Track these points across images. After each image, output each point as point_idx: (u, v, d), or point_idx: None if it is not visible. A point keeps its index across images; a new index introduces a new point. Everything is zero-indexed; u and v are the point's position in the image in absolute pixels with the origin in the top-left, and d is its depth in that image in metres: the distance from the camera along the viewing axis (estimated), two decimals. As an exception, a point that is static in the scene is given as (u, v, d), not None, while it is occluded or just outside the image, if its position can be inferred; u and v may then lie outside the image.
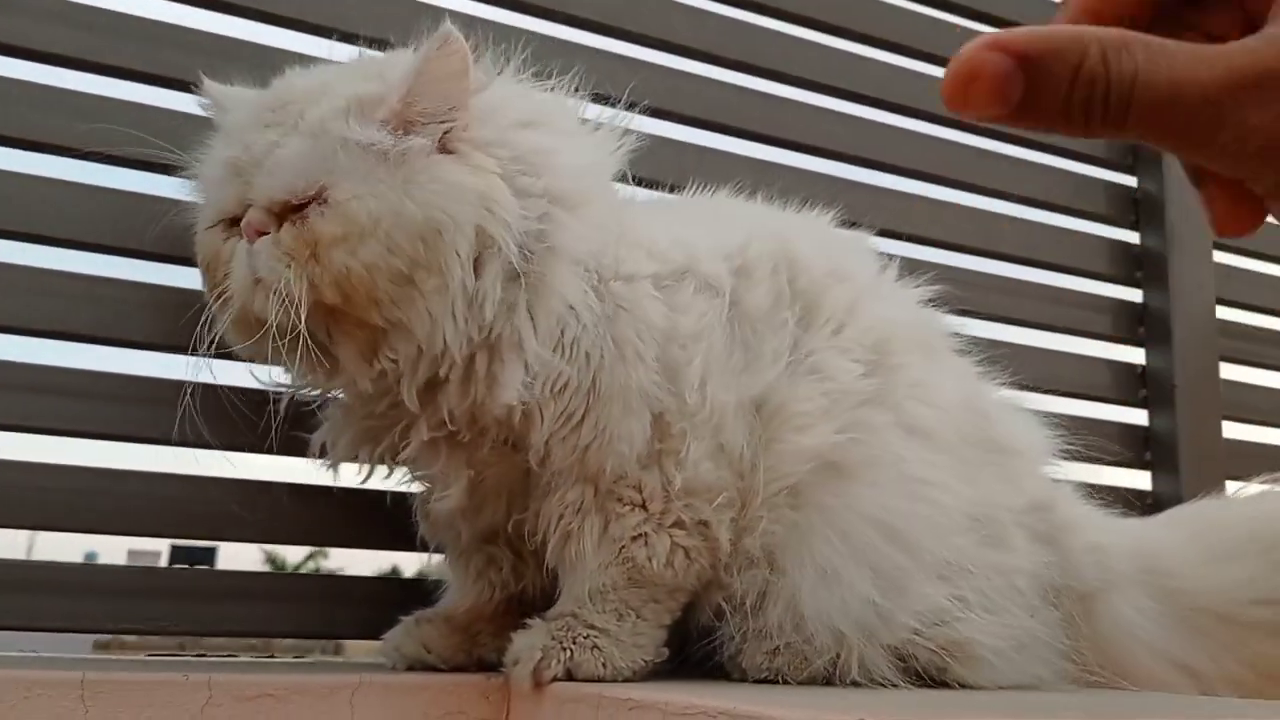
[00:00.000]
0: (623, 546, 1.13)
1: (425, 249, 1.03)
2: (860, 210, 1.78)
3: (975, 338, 1.83)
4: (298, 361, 1.04)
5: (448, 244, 1.03)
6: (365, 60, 1.21)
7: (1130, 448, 1.99)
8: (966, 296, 1.85)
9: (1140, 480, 1.99)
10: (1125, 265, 2.09)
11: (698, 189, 1.35)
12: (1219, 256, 2.12)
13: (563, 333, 1.09)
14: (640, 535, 1.13)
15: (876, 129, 1.88)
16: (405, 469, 1.20)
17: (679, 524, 1.13)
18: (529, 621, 1.15)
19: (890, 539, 1.12)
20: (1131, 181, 2.13)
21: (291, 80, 1.14)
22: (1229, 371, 2.08)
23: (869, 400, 1.18)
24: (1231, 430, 2.05)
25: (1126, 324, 2.07)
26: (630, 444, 1.11)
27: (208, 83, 1.18)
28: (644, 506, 1.13)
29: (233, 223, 1.08)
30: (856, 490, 1.14)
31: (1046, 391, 1.92)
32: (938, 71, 1.91)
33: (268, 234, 1.03)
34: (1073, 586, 1.25)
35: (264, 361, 1.10)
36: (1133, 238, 2.11)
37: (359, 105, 1.05)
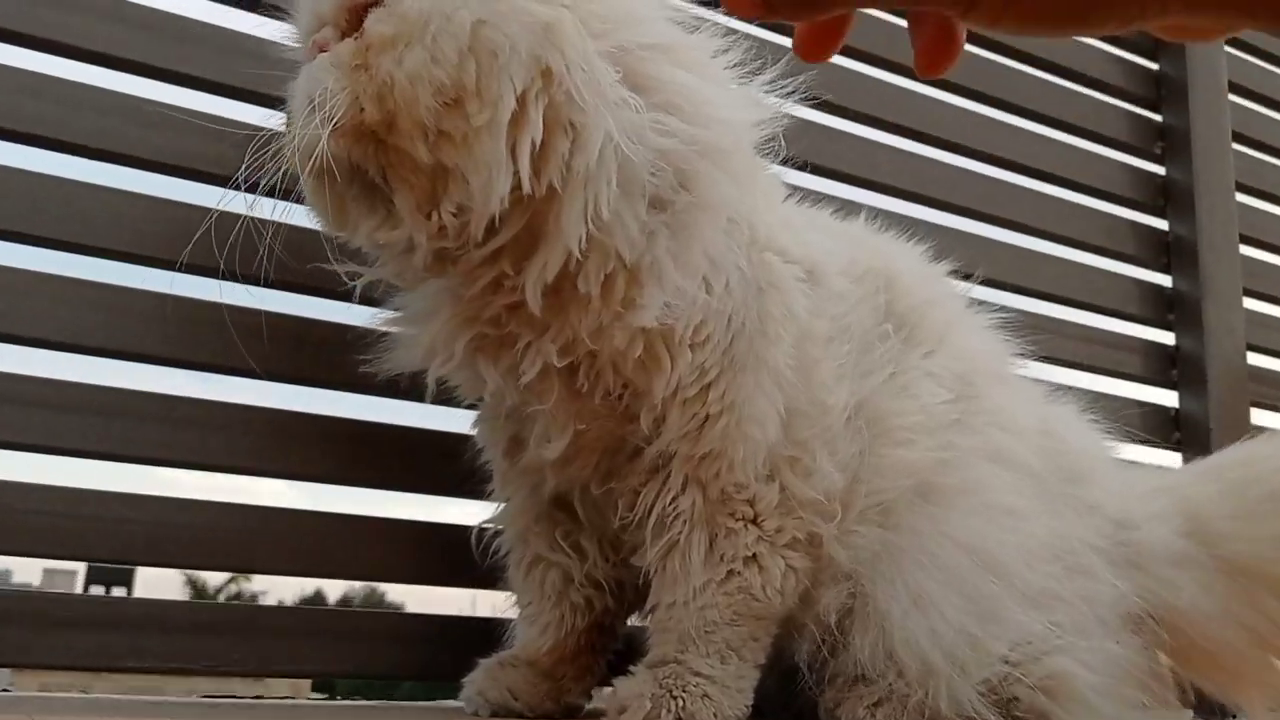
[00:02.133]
0: (732, 570, 1.06)
1: (477, 69, 0.91)
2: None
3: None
4: (349, 204, 0.97)
5: (501, 69, 0.91)
6: None
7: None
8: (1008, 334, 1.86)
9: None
10: (1158, 308, 2.09)
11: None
12: (1249, 303, 2.12)
13: (708, 284, 1.02)
14: (752, 557, 1.06)
15: (914, 161, 1.88)
16: (499, 397, 1.07)
17: (793, 544, 1.08)
18: (631, 669, 1.09)
19: (983, 565, 1.10)
20: (1164, 225, 2.13)
21: None
22: (1260, 417, 2.07)
23: (955, 425, 1.17)
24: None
25: (1159, 367, 2.06)
26: (762, 430, 1.04)
27: None
28: (756, 523, 1.07)
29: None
30: (947, 515, 1.12)
31: None
32: (976, 107, 1.94)
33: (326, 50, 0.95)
34: (1153, 610, 1.22)
35: (324, 213, 1.01)
36: (1165, 280, 2.11)
37: None
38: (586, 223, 0.95)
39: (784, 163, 1.49)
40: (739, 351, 1.04)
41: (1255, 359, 2.12)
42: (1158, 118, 2.17)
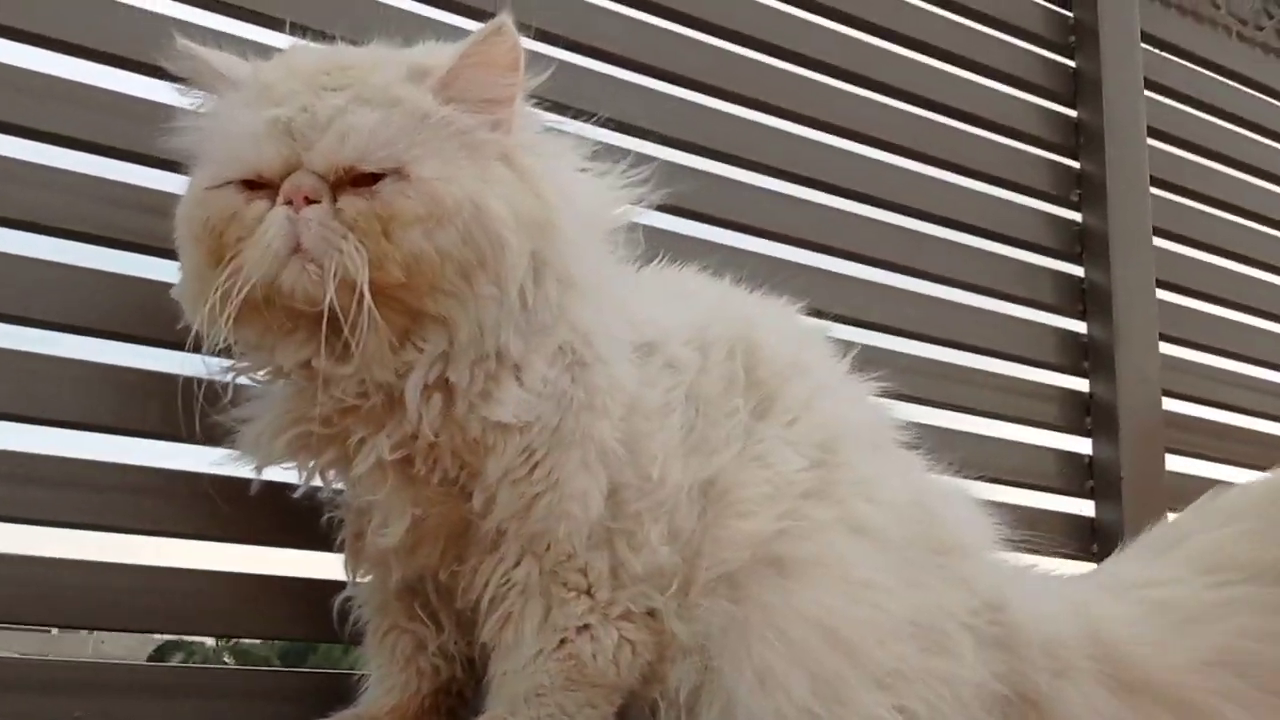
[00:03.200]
0: (564, 639, 1.08)
1: (492, 252, 1.01)
2: (805, 294, 1.77)
3: (921, 425, 1.84)
4: (303, 343, 1.02)
5: (511, 257, 1.02)
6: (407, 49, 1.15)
7: (1077, 540, 1.97)
8: (912, 382, 1.86)
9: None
10: (1072, 355, 2.09)
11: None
12: (1165, 348, 2.12)
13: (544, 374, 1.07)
14: (585, 627, 1.08)
15: (824, 212, 1.88)
16: (340, 492, 1.14)
17: (627, 615, 1.09)
18: None
19: (831, 643, 1.08)
20: (1079, 271, 2.13)
21: (332, 50, 1.12)
22: (1175, 464, 2.07)
23: (812, 494, 1.15)
24: (1177, 523, 2.03)
25: (1073, 414, 2.06)
26: (583, 506, 1.06)
27: (188, 44, 1.10)
28: (589, 593, 1.08)
29: (256, 186, 1.01)
30: (798, 590, 1.11)
31: (993, 480, 1.92)
32: (887, 157, 1.95)
33: (319, 203, 0.98)
34: (1025, 694, 1.20)
35: (249, 344, 1.06)
36: (1080, 327, 2.11)
37: (417, 73, 1.04)
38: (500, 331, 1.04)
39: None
40: (566, 429, 1.07)
41: (1171, 404, 2.12)
42: (1075, 164, 2.18)
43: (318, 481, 1.14)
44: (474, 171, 1.02)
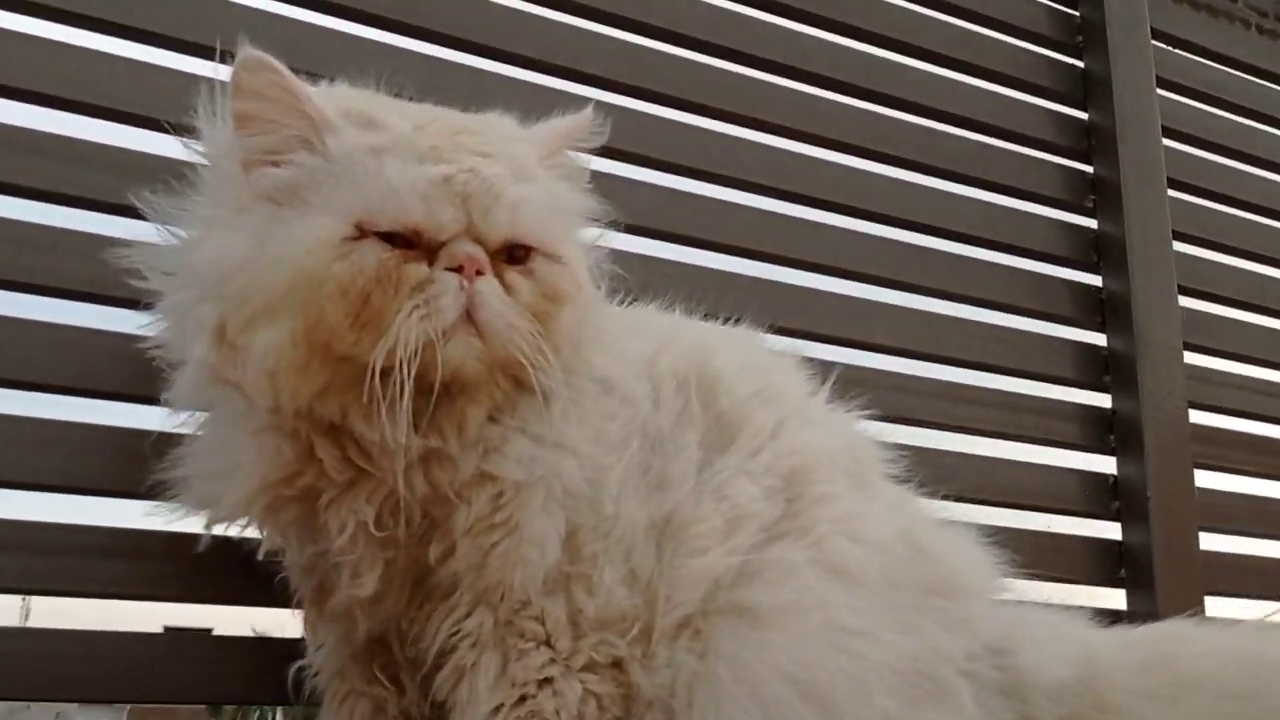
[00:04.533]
0: (524, 695, 1.01)
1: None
2: (817, 317, 1.73)
3: (933, 450, 1.77)
4: (395, 415, 0.92)
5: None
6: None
7: (1104, 565, 1.87)
8: (922, 406, 1.78)
9: (1115, 599, 1.87)
10: (1092, 369, 1.99)
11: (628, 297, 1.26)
12: (1190, 358, 2.02)
13: None
14: (546, 680, 1.01)
15: (821, 230, 1.81)
16: (298, 549, 1.06)
17: (590, 666, 1.03)
18: None
19: (807, 698, 0.99)
20: (1097, 281, 2.04)
21: (447, 111, 1.08)
22: (1205, 480, 1.97)
23: (783, 535, 1.07)
24: (1209, 542, 1.93)
25: (1095, 432, 1.96)
26: (540, 551, 1.00)
27: (273, 69, 0.97)
28: (549, 644, 1.02)
29: (403, 244, 0.94)
30: (770, 639, 1.02)
31: (1011, 505, 1.83)
32: (886, 170, 1.87)
33: (484, 274, 0.95)
34: None
35: (397, 415, 0.93)
36: (1099, 339, 2.01)
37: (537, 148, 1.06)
38: None
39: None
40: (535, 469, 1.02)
41: (1199, 417, 2.01)
42: (1088, 169, 2.08)
43: (275, 542, 1.07)
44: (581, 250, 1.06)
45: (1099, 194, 2.06)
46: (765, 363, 1.22)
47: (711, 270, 1.68)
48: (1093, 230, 2.06)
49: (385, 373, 0.91)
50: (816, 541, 1.07)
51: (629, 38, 1.69)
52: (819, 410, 1.22)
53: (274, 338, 0.92)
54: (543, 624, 1.02)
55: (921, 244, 1.90)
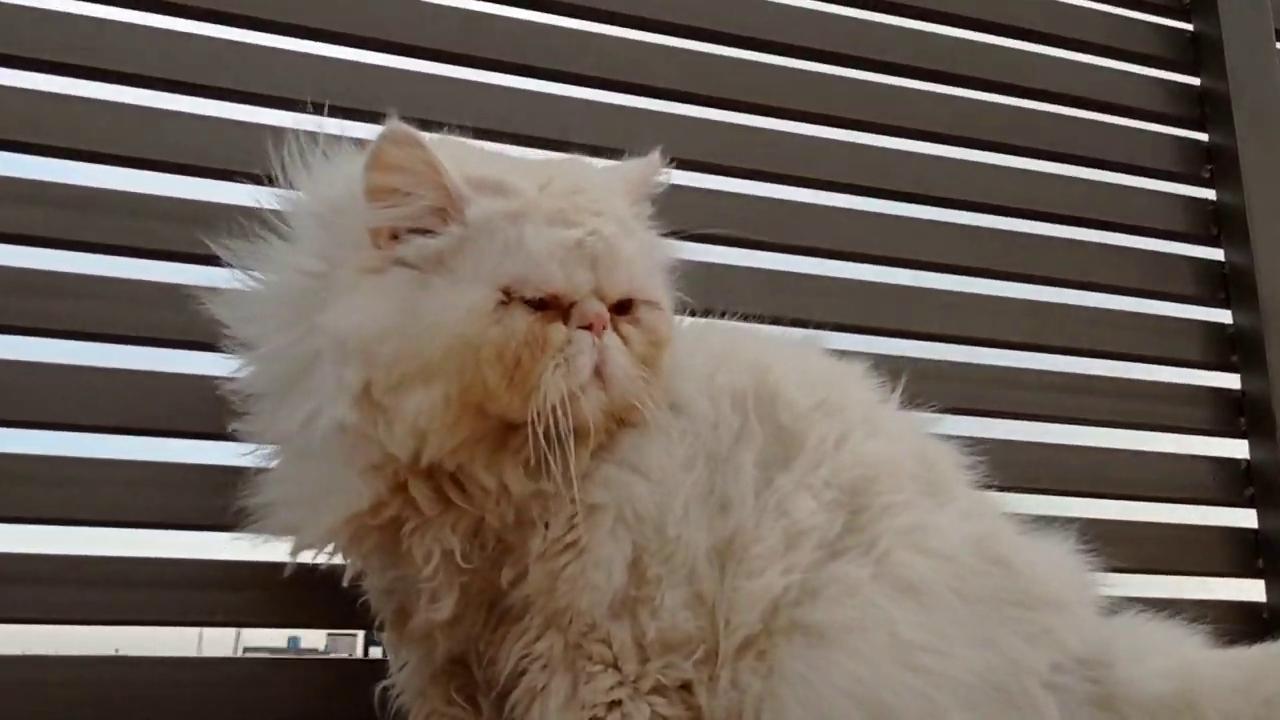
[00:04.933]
0: (594, 717, 1.02)
1: None
2: (922, 316, 1.71)
3: (1052, 445, 1.70)
4: (521, 460, 1.00)
5: None
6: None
7: (1239, 556, 1.77)
8: (1037, 399, 1.71)
9: (1254, 591, 1.77)
10: (1218, 349, 1.89)
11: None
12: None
13: None
14: (615, 703, 1.02)
15: (935, 227, 1.77)
16: (379, 574, 1.10)
17: (658, 689, 1.03)
18: None
19: (871, 716, 0.96)
20: (1218, 255, 1.93)
21: (561, 165, 1.14)
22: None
23: (846, 550, 1.05)
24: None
25: (1225, 415, 1.85)
26: (607, 575, 1.02)
27: (416, 143, 0.99)
28: (617, 667, 1.03)
29: (541, 307, 0.99)
30: (834, 658, 0.99)
31: (1140, 498, 1.75)
32: (986, 156, 1.80)
33: (607, 329, 1.01)
34: None
35: (564, 466, 0.98)
36: (1224, 317, 1.91)
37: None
38: None
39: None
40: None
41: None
42: (1203, 137, 1.98)
43: (358, 567, 1.11)
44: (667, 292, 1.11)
45: (1215, 162, 1.94)
46: (827, 373, 1.19)
47: (806, 275, 1.66)
48: (1211, 202, 1.94)
49: (517, 428, 0.98)
50: (881, 556, 1.04)
51: (686, 44, 1.68)
52: (886, 418, 1.18)
53: (427, 399, 0.97)
54: (610, 647, 1.03)
55: (1025, 229, 1.83)
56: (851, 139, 1.76)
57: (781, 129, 1.72)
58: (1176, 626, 1.17)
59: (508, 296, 0.98)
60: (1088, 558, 1.16)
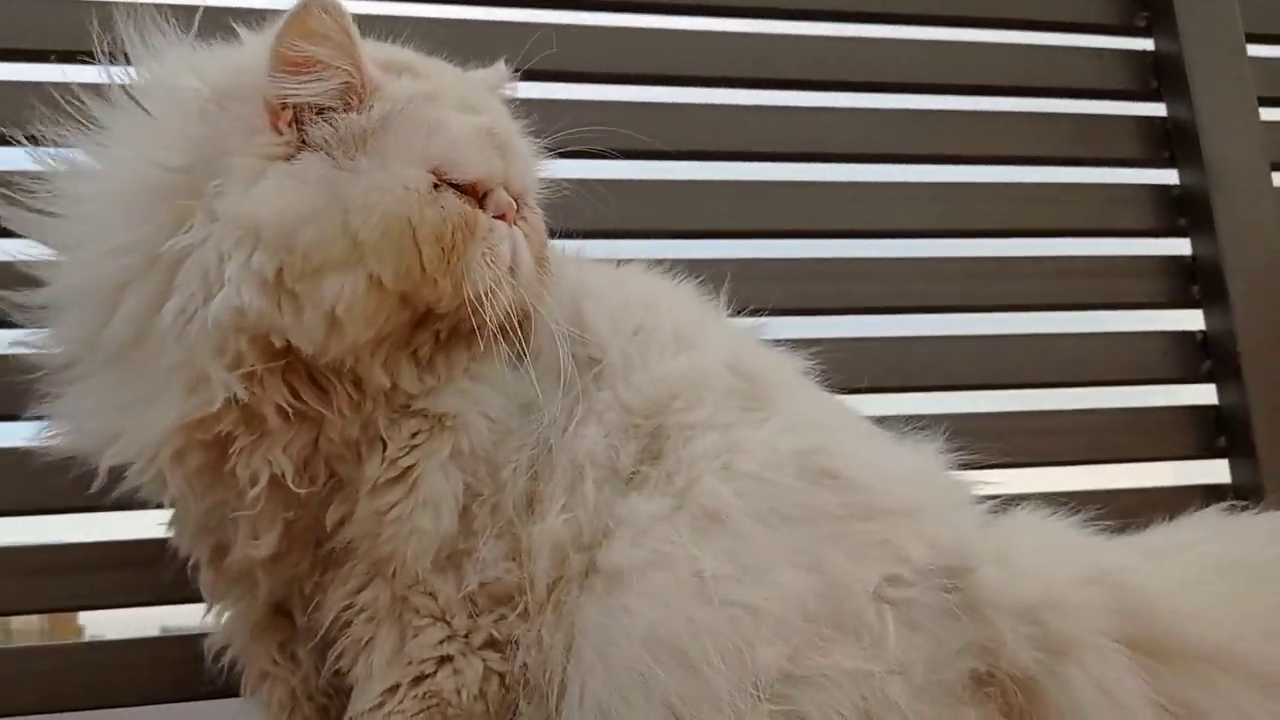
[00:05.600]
0: (424, 673, 0.96)
1: None
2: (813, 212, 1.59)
3: (1009, 335, 1.59)
4: (432, 366, 0.97)
5: None
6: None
7: (1198, 435, 1.63)
8: (981, 287, 1.61)
9: (1218, 471, 1.62)
10: (1164, 212, 1.72)
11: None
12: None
13: None
14: (446, 659, 0.96)
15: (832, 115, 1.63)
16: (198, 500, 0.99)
17: (492, 643, 0.97)
18: None
19: (667, 662, 0.87)
20: (1159, 110, 1.75)
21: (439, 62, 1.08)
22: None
23: (643, 482, 0.95)
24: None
25: (1175, 284, 1.70)
26: (435, 516, 0.95)
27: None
28: (446, 620, 0.97)
29: (462, 193, 0.95)
30: (629, 604, 0.89)
31: (1090, 383, 1.62)
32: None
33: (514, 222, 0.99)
34: (1009, 673, 0.91)
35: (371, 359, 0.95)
36: (1169, 177, 1.74)
37: None
38: None
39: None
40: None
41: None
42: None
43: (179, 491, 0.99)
44: None
45: (1150, 8, 1.75)
46: (645, 298, 1.09)
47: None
48: (1150, 52, 1.76)
49: (440, 317, 0.95)
50: (685, 485, 0.95)
51: None
52: (704, 333, 1.07)
53: (349, 285, 0.91)
54: (436, 600, 0.96)
55: (936, 106, 1.68)
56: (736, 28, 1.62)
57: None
58: (1067, 521, 1.04)
59: (438, 179, 0.94)
60: (959, 455, 1.06)
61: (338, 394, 0.94)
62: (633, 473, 0.96)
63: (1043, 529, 1.03)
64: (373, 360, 0.94)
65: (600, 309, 1.05)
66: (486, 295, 0.93)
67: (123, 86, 0.99)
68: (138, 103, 0.98)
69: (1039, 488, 1.49)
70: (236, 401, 0.91)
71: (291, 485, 0.93)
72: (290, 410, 0.93)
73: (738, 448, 0.96)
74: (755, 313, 1.19)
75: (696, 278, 1.13)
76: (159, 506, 1.04)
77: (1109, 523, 1.05)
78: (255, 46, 0.97)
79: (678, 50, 1.57)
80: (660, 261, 1.16)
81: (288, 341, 0.91)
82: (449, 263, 0.92)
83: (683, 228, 1.51)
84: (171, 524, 1.07)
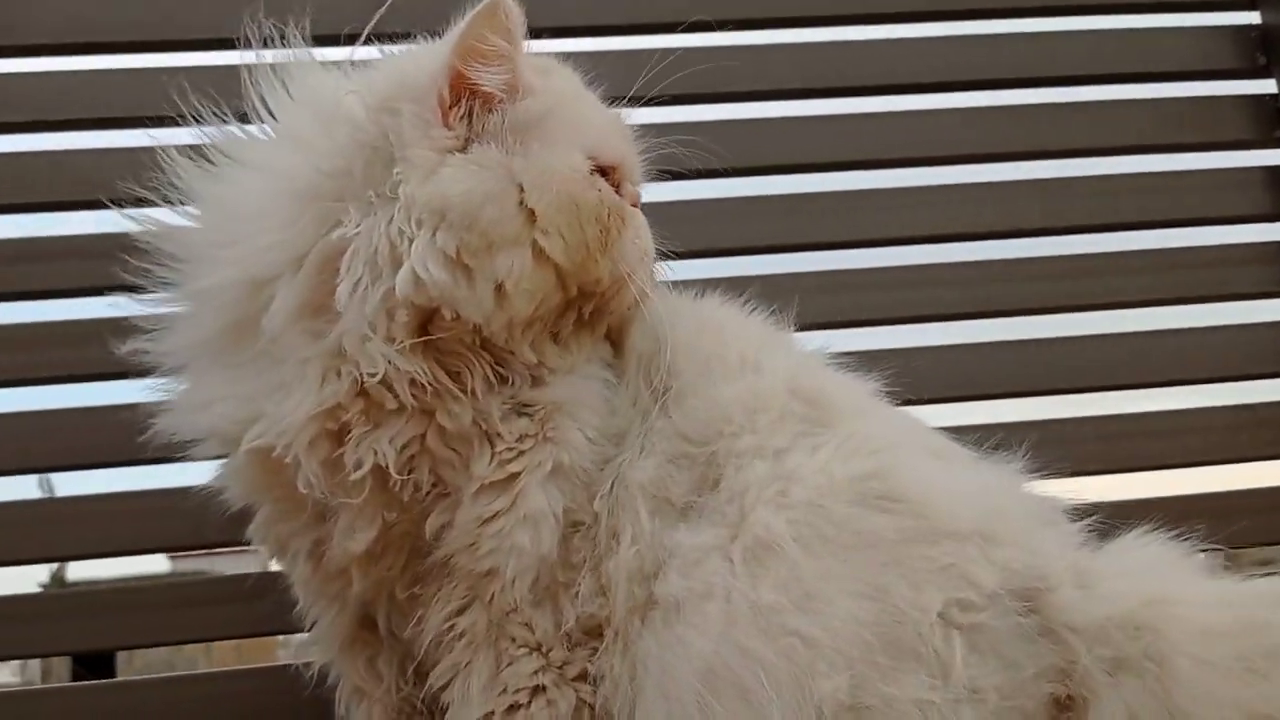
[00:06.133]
0: (518, 703, 0.97)
1: None
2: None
3: None
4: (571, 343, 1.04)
5: None
6: None
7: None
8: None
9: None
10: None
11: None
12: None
13: None
14: (539, 689, 0.97)
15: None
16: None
17: (585, 676, 0.98)
18: None
19: (723, 693, 0.87)
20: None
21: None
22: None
23: (698, 512, 0.96)
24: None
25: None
26: (534, 532, 0.97)
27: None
28: (541, 651, 0.98)
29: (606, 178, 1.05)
30: (685, 636, 0.90)
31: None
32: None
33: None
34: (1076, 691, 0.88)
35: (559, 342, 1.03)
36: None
37: None
38: None
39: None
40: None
41: None
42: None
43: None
44: None
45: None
46: (717, 324, 1.10)
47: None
48: (1255, 25, 1.69)
49: (588, 298, 1.02)
50: (739, 514, 0.94)
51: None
52: (766, 355, 1.06)
53: (520, 259, 0.97)
54: (532, 630, 0.98)
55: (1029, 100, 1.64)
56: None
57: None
58: (1173, 549, 0.98)
59: (595, 167, 1.02)
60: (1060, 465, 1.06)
61: (474, 373, 0.98)
62: (688, 502, 0.96)
63: (1138, 549, 0.98)
64: (522, 338, 1.00)
65: (674, 336, 1.05)
66: (630, 275, 1.01)
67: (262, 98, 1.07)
68: (284, 130, 1.06)
69: (1147, 493, 1.46)
70: (364, 391, 0.95)
71: (393, 473, 0.96)
72: (425, 390, 0.96)
73: (792, 475, 0.95)
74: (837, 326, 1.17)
75: (763, 296, 1.14)
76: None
77: (1219, 546, 0.99)
78: (419, 58, 1.05)
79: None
80: (721, 280, 1.18)
81: (444, 316, 0.96)
82: (606, 242, 1.00)
83: (750, 244, 1.53)
84: (257, 529, 1.09)
